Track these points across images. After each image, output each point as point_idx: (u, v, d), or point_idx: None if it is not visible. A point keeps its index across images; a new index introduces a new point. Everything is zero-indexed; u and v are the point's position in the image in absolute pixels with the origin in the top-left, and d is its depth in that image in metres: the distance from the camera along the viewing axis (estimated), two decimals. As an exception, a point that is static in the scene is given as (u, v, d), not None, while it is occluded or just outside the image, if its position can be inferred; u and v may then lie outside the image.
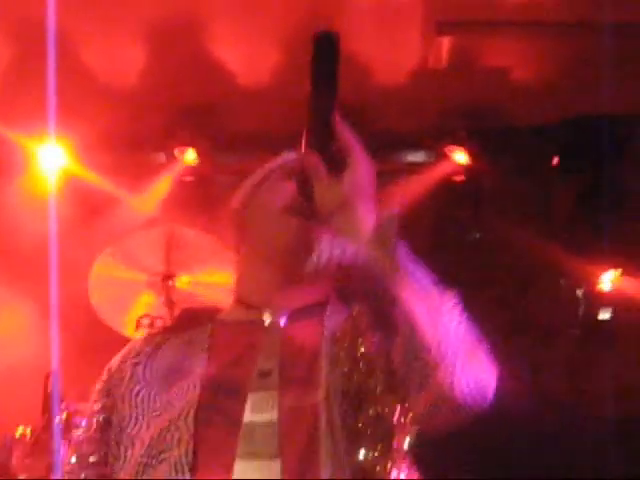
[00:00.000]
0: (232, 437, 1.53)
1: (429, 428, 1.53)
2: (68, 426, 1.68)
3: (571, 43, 4.64)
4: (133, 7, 4.33)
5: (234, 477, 1.49)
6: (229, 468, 1.50)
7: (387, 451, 1.49)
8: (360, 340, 1.56)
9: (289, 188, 1.71)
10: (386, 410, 1.51)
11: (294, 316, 1.72)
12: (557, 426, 5.06)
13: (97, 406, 1.71)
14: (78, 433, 1.75)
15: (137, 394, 1.65)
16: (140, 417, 1.62)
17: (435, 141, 5.56)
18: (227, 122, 5.30)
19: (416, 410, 1.50)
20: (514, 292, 5.52)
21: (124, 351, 1.77)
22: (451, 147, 5.48)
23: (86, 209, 5.19)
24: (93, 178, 5.37)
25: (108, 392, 1.71)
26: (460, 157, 5.50)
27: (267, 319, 1.71)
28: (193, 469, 1.51)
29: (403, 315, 1.50)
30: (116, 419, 1.66)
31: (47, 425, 3.19)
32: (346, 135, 1.60)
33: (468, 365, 1.51)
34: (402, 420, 1.51)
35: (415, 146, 5.72)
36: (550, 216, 5.54)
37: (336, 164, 1.58)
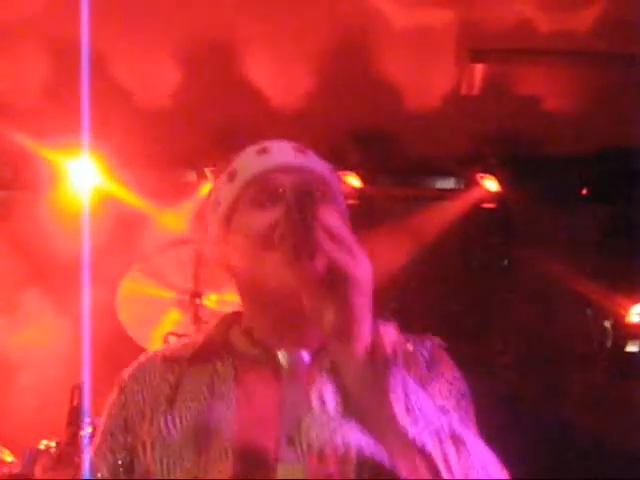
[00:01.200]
0: None
1: None
2: (93, 440, 1.67)
3: (604, 73, 4.63)
4: (169, 28, 4.36)
5: None
6: None
7: None
8: None
9: (277, 220, 1.60)
10: None
11: (307, 359, 1.62)
12: (583, 456, 5.02)
13: (115, 437, 1.65)
14: (104, 474, 1.64)
15: (163, 455, 1.57)
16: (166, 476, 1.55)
17: (466, 168, 5.56)
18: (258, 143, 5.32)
19: None
20: (541, 320, 5.49)
21: (137, 375, 1.70)
22: (482, 174, 5.48)
23: (117, 225, 5.22)
24: (125, 195, 5.41)
25: (126, 425, 1.65)
26: (491, 184, 5.50)
27: (283, 361, 1.62)
28: None
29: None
30: (138, 464, 1.61)
31: (71, 439, 3.20)
32: (342, 234, 1.42)
33: None
34: None
35: (446, 172, 5.72)
36: (579, 246, 5.51)
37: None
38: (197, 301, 3.95)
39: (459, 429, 1.43)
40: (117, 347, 3.77)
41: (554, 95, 4.88)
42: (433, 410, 1.43)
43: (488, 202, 5.54)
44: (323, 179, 1.71)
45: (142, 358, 1.75)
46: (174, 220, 5.52)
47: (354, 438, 1.46)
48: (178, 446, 1.57)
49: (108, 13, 3.91)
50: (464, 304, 5.40)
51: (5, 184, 5.96)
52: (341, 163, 5.34)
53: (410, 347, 1.67)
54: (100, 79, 3.75)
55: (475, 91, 4.74)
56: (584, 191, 5.46)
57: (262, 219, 1.63)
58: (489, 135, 5.28)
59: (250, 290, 1.70)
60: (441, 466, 1.38)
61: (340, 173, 5.38)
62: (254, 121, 5.08)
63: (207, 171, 5.62)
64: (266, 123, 4.96)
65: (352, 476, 1.47)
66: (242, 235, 1.66)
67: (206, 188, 5.62)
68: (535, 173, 5.48)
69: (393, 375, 1.39)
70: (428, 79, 4.71)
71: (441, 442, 1.39)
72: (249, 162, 1.73)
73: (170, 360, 1.70)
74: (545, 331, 5.47)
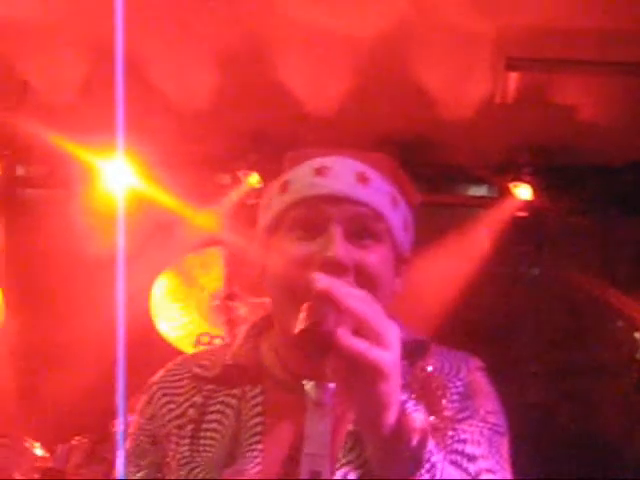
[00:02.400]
0: None
1: None
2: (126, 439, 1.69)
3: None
4: (205, 30, 4.39)
5: None
6: None
7: None
8: None
9: (299, 248, 1.53)
10: None
11: (335, 392, 1.52)
12: (609, 467, 5.00)
13: (145, 458, 1.64)
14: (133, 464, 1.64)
15: (187, 477, 1.55)
16: None
17: (500, 176, 5.54)
18: (294, 148, 5.34)
19: None
20: (570, 330, 5.47)
21: (165, 387, 1.68)
22: (515, 183, 5.47)
23: (151, 226, 5.25)
24: (158, 196, 5.44)
25: (154, 444, 1.64)
26: (524, 193, 5.48)
27: (311, 393, 1.51)
28: None
29: None
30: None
31: (104, 436, 3.24)
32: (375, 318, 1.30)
33: None
34: None
35: (479, 180, 5.72)
36: (611, 256, 5.48)
37: None
38: (230, 303, 3.97)
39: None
40: (150, 347, 3.81)
41: (590, 105, 4.86)
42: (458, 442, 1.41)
43: (521, 210, 5.53)
44: (380, 215, 1.56)
45: (171, 367, 1.72)
46: (207, 221, 5.55)
47: None
48: (203, 474, 1.54)
49: (144, 14, 3.94)
50: (493, 312, 5.39)
51: (40, 182, 6.02)
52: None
53: (443, 379, 1.60)
54: (137, 80, 3.78)
55: (510, 99, 4.73)
56: (618, 202, 5.43)
57: (298, 249, 1.53)
58: (523, 144, 5.27)
59: (276, 316, 1.63)
60: None
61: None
62: (289, 125, 5.10)
63: (240, 174, 5.64)
64: (301, 128, 4.98)
65: None
66: (274, 262, 1.58)
67: (239, 191, 5.65)
68: (569, 183, 5.46)
69: (420, 466, 1.31)
70: (463, 86, 4.71)
71: None
72: (304, 180, 1.58)
73: (197, 379, 1.67)
74: (575, 341, 5.45)
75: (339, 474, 1.45)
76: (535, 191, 5.46)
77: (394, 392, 1.29)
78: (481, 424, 1.56)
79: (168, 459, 1.59)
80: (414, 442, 1.30)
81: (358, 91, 4.79)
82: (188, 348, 3.87)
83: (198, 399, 1.63)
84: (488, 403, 1.61)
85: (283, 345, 1.62)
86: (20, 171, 6.02)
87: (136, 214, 4.87)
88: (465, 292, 5.30)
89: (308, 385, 1.52)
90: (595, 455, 5.00)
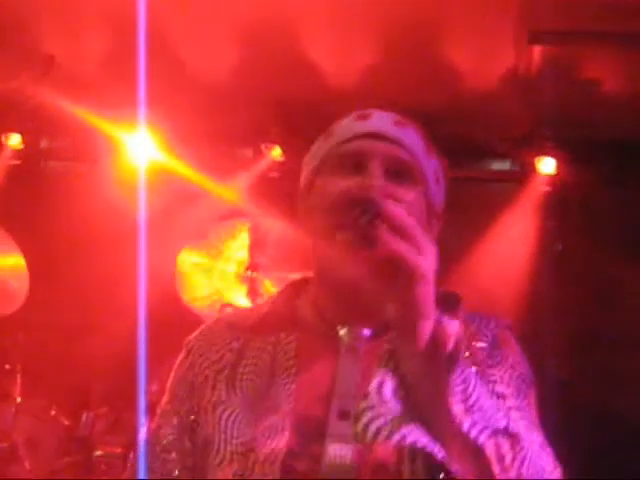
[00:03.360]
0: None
1: None
2: (152, 408, 1.71)
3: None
4: (227, 5, 4.39)
5: None
6: None
7: None
8: None
9: (339, 181, 1.60)
10: None
11: (369, 340, 1.60)
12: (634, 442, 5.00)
13: (183, 406, 1.67)
14: (168, 434, 1.68)
15: (222, 416, 1.60)
16: (223, 446, 1.57)
17: (523, 150, 5.53)
18: (317, 121, 5.34)
19: None
20: (594, 306, 5.46)
21: (202, 341, 1.73)
22: (538, 157, 5.45)
23: (175, 198, 5.28)
24: (182, 169, 5.47)
25: (191, 390, 1.68)
26: (547, 167, 5.47)
27: (344, 337, 1.60)
28: None
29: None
30: (199, 434, 1.63)
31: (128, 405, 3.28)
32: (410, 227, 1.40)
33: None
34: None
35: (502, 155, 5.70)
36: (635, 232, 5.46)
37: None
38: (253, 274, 3.99)
39: (517, 427, 1.44)
40: (173, 319, 3.85)
41: (613, 78, 4.84)
42: (493, 409, 1.44)
43: (544, 185, 5.51)
44: (415, 157, 1.65)
45: (208, 323, 1.78)
46: (230, 193, 5.57)
47: (409, 429, 1.42)
48: (237, 412, 1.59)
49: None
50: (517, 288, 5.38)
51: (64, 155, 6.06)
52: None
53: (473, 328, 1.66)
54: (160, 54, 3.79)
55: (532, 73, 4.71)
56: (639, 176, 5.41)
57: (340, 183, 1.60)
58: (546, 118, 5.24)
59: (317, 260, 1.69)
60: (496, 468, 1.39)
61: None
62: (312, 98, 5.10)
63: (263, 147, 5.66)
64: (324, 101, 4.98)
65: (404, 465, 1.46)
66: (318, 197, 1.65)
67: (262, 164, 5.67)
68: (593, 157, 5.43)
69: (454, 372, 1.39)
70: (486, 60, 4.70)
71: (498, 445, 1.40)
72: (347, 124, 1.69)
73: (235, 327, 1.73)
74: (598, 317, 5.44)
75: (374, 383, 1.48)
76: (558, 165, 5.44)
77: (430, 298, 1.38)
78: (510, 370, 1.62)
79: (205, 402, 1.64)
80: (449, 347, 1.39)
81: (382, 64, 4.79)
82: (210, 316, 3.91)
83: (235, 345, 1.69)
84: (516, 355, 1.66)
85: (322, 294, 1.69)
86: (44, 144, 6.06)
87: (159, 186, 4.91)
88: (487, 266, 5.30)
89: (342, 331, 1.60)
90: (617, 429, 5.00)
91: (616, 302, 5.49)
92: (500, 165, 5.84)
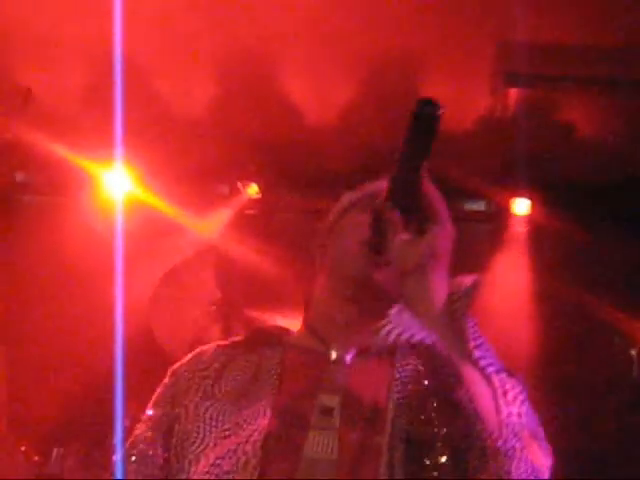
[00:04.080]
0: (294, 470, 1.57)
1: None
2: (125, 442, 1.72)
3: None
4: (204, 41, 4.40)
5: None
6: None
7: None
8: (432, 400, 1.58)
9: (366, 222, 1.70)
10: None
11: (361, 354, 1.73)
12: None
13: (160, 411, 1.75)
14: (138, 432, 1.75)
15: (206, 410, 1.67)
16: (207, 434, 1.64)
17: (498, 191, 5.56)
18: (293, 158, 5.36)
19: None
20: (566, 348, 5.47)
21: (190, 359, 1.81)
22: (512, 198, 5.48)
23: (150, 234, 5.26)
24: (157, 204, 5.46)
25: (173, 400, 1.74)
26: (522, 208, 5.50)
27: (334, 353, 1.73)
28: None
29: (467, 397, 1.52)
30: (179, 430, 1.69)
31: (99, 442, 3.25)
32: (433, 198, 1.62)
33: (526, 454, 1.51)
34: None
35: (478, 195, 5.73)
36: (607, 273, 5.49)
37: (418, 223, 1.59)
38: (225, 310, 3.98)
39: (507, 368, 1.60)
40: (148, 353, 3.83)
41: (588, 121, 4.89)
42: (494, 353, 1.60)
43: (519, 226, 5.54)
44: None
45: (196, 350, 1.85)
46: (206, 228, 5.57)
47: (424, 333, 1.58)
48: (221, 404, 1.68)
49: (144, 23, 3.96)
50: (492, 327, 5.38)
51: (39, 189, 6.03)
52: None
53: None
54: (136, 90, 3.80)
55: (508, 115, 4.75)
56: (613, 219, 5.45)
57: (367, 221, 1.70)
58: (521, 159, 5.27)
59: (333, 279, 1.79)
60: (501, 400, 1.53)
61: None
62: (289, 135, 5.12)
63: (239, 185, 5.67)
64: (301, 138, 5.00)
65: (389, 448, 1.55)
66: (347, 229, 1.77)
67: (238, 201, 5.68)
68: (566, 198, 5.47)
69: (467, 318, 1.58)
70: (462, 101, 4.73)
71: (502, 380, 1.55)
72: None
73: (223, 347, 1.83)
74: (571, 357, 5.45)
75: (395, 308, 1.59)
76: (533, 206, 5.47)
77: (447, 261, 1.61)
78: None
79: (187, 402, 1.71)
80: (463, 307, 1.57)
81: (359, 102, 4.82)
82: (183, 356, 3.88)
83: (223, 358, 1.78)
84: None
85: (323, 316, 1.80)
86: (20, 177, 6.03)
87: (135, 220, 4.90)
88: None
89: (333, 346, 1.74)
90: (587, 472, 4.99)
91: (587, 342, 5.50)
92: (475, 205, 5.87)
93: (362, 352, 1.73)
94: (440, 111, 1.53)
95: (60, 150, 5.14)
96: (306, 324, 1.83)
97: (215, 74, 4.75)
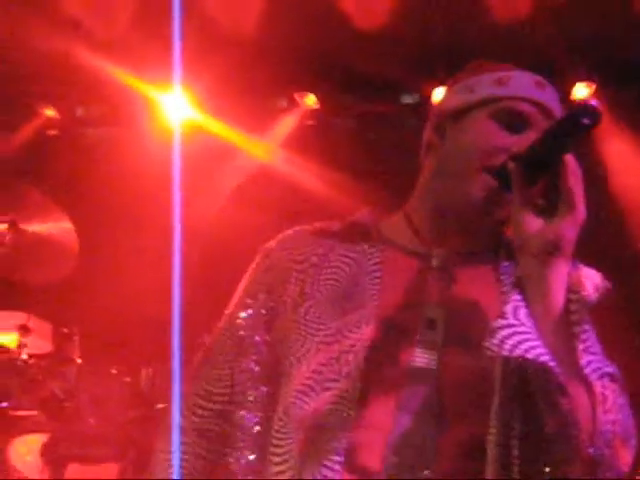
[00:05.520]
0: (396, 382, 1.56)
1: None
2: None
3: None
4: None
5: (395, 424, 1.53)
6: (390, 412, 1.54)
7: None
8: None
9: (494, 131, 1.68)
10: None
11: (463, 261, 1.69)
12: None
13: (256, 300, 1.72)
14: (242, 314, 1.73)
15: (306, 312, 1.64)
16: (309, 338, 1.61)
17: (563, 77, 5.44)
18: (347, 65, 5.33)
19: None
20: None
21: (284, 242, 1.78)
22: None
23: (209, 155, 5.30)
24: (217, 126, 5.50)
25: (270, 289, 1.72)
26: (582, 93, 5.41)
27: (436, 260, 1.68)
28: (357, 405, 1.53)
29: (569, 406, 1.49)
30: (279, 326, 1.68)
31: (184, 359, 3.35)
32: (574, 181, 1.52)
33: (614, 461, 1.51)
34: None
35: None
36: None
37: (550, 202, 1.55)
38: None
39: (614, 369, 1.56)
40: (210, 274, 3.87)
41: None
42: (602, 354, 1.57)
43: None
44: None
45: (289, 231, 1.81)
46: (266, 146, 5.60)
47: (542, 349, 1.50)
48: (322, 307, 1.65)
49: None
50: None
51: (100, 121, 6.09)
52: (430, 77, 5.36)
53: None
54: (189, 10, 3.80)
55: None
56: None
57: (501, 136, 1.68)
58: (580, 42, 5.15)
59: (440, 189, 1.74)
60: (599, 407, 1.49)
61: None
62: (342, 44, 5.09)
63: (296, 96, 5.67)
64: (354, 46, 4.97)
65: (510, 374, 1.52)
66: (470, 135, 1.71)
67: (297, 113, 5.69)
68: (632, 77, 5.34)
69: (574, 313, 1.53)
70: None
71: (604, 386, 1.51)
72: (488, 86, 1.75)
73: (319, 234, 1.78)
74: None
75: (510, 306, 1.55)
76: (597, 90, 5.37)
77: (571, 252, 1.55)
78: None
79: (285, 297, 1.69)
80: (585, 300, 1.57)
81: (403, 3, 4.75)
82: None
83: (320, 250, 1.73)
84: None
85: (426, 218, 1.75)
86: (80, 112, 6.10)
87: (196, 145, 4.93)
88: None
89: (435, 251, 1.69)
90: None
91: None
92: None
93: (464, 259, 1.69)
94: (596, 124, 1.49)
95: (116, 79, 5.18)
96: (407, 219, 1.77)
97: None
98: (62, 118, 5.99)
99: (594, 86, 5.36)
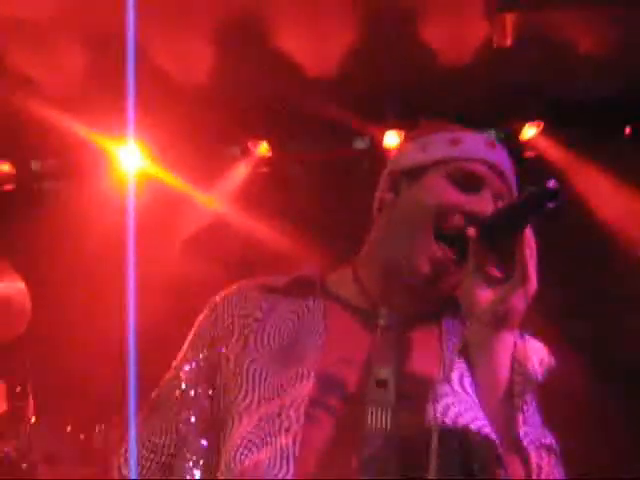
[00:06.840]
0: (335, 438, 1.57)
1: None
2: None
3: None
4: (202, 8, 4.41)
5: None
6: (332, 467, 1.55)
7: None
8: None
9: (449, 190, 1.72)
10: None
11: (408, 322, 1.71)
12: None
13: (200, 354, 1.74)
14: (186, 367, 1.75)
15: (249, 366, 1.66)
16: (251, 392, 1.63)
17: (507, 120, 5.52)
18: (299, 113, 5.36)
19: None
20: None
21: (230, 297, 1.79)
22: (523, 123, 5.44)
23: (163, 207, 5.28)
24: (170, 177, 5.50)
25: (213, 343, 1.74)
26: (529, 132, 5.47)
27: (382, 317, 1.66)
28: (297, 460, 1.54)
29: (503, 473, 1.54)
30: (221, 381, 1.70)
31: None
32: (528, 252, 1.58)
33: None
34: None
35: (488, 125, 5.69)
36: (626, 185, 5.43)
37: (503, 270, 1.60)
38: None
39: (554, 444, 1.62)
40: (164, 327, 3.85)
41: (588, 38, 4.82)
42: (540, 425, 1.63)
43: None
44: (511, 185, 1.79)
45: (234, 286, 1.83)
46: (220, 196, 5.60)
47: (483, 420, 1.55)
48: (264, 362, 1.67)
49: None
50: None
51: (55, 175, 6.05)
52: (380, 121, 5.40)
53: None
54: (140, 62, 3.81)
55: (507, 41, 4.69)
56: (626, 131, 5.40)
57: (452, 196, 1.72)
58: (527, 83, 5.22)
59: (389, 248, 1.77)
60: (533, 476, 1.56)
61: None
62: (293, 91, 5.12)
63: (250, 144, 5.69)
64: (306, 93, 5.00)
65: (452, 440, 1.54)
66: (426, 193, 1.75)
67: (250, 161, 5.70)
68: (579, 116, 5.41)
69: (517, 383, 1.58)
70: (459, 33, 4.69)
71: (540, 457, 1.58)
72: (442, 147, 1.80)
73: (264, 289, 1.80)
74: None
75: (456, 374, 1.59)
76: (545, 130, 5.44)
77: (519, 322, 1.60)
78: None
79: (227, 351, 1.71)
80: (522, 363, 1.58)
81: (358, 48, 4.79)
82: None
83: (264, 305, 1.76)
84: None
85: (374, 276, 1.78)
86: (35, 166, 6.06)
87: (149, 195, 4.92)
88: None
89: (382, 309, 1.67)
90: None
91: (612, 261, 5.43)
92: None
93: (410, 318, 1.72)
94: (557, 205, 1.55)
95: (71, 132, 5.17)
96: (355, 274, 1.80)
97: (215, 39, 4.75)
98: (17, 173, 5.96)
99: (542, 126, 5.43)
